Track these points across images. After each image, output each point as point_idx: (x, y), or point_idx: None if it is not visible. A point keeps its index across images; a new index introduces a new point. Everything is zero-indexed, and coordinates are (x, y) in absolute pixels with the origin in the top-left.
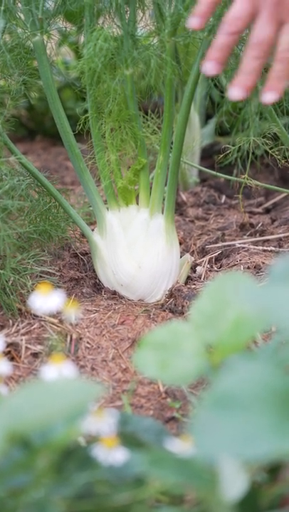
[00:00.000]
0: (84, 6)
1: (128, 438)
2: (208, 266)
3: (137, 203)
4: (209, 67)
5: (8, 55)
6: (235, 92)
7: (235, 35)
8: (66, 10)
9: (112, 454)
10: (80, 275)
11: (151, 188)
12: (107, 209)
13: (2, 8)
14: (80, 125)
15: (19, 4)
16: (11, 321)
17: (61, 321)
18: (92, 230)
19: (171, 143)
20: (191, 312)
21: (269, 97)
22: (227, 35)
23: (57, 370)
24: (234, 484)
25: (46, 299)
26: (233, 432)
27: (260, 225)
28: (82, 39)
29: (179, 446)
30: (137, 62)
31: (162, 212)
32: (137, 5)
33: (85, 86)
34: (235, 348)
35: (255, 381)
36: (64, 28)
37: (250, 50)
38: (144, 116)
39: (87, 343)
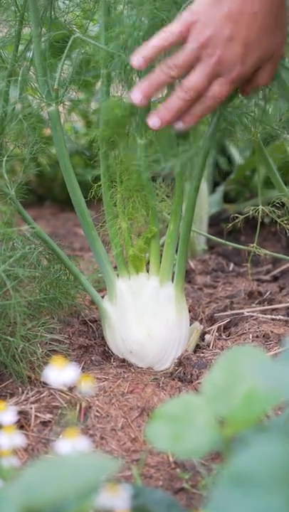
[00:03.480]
0: (98, 75)
1: (140, 511)
2: (217, 334)
3: (147, 271)
4: (137, 96)
5: (25, 124)
6: (152, 121)
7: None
8: (79, 79)
9: None
10: (90, 342)
11: (161, 255)
12: (117, 276)
13: (20, 78)
14: (91, 193)
15: (33, 75)
16: (20, 389)
17: (71, 389)
18: (102, 296)
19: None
20: (203, 385)
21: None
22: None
23: (70, 444)
24: None
25: (60, 373)
26: (249, 510)
27: (268, 293)
28: (92, 106)
29: None
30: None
31: (172, 281)
32: None
33: (95, 154)
34: (248, 422)
35: (269, 458)
36: (75, 97)
37: (181, 92)
38: (152, 185)
39: (97, 411)
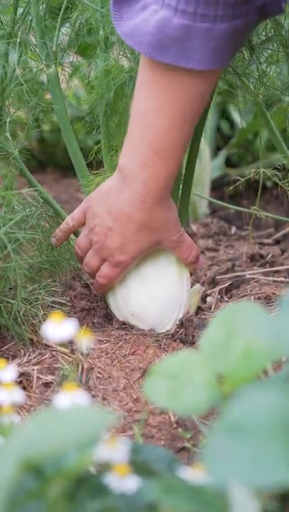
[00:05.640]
0: (97, 39)
1: (140, 467)
2: (219, 296)
3: None
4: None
5: (25, 86)
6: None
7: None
8: (79, 43)
9: (124, 482)
10: (91, 305)
11: None
12: None
13: (18, 40)
14: (92, 155)
15: (32, 38)
16: (22, 351)
17: (72, 351)
18: None
19: (182, 175)
20: (201, 342)
21: None
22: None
23: (70, 399)
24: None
25: (59, 328)
26: (244, 459)
27: (270, 255)
28: (92, 72)
29: (191, 474)
30: None
31: None
32: None
33: (96, 118)
34: (246, 378)
35: (266, 409)
36: (76, 62)
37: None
38: None
39: (99, 373)
